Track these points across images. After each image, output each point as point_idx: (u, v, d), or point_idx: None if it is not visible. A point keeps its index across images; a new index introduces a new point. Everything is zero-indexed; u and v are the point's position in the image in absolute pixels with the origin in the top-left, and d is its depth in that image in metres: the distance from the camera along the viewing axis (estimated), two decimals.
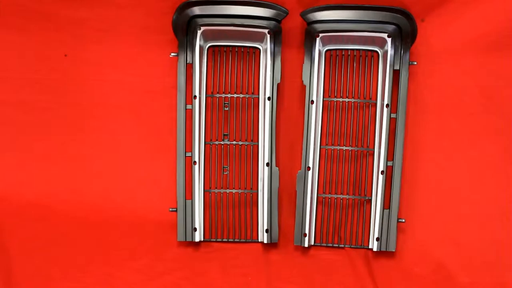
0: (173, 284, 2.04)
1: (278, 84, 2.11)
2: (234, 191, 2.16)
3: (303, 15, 2.09)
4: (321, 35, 2.10)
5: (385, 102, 2.11)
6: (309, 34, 2.10)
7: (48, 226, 2.18)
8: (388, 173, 2.12)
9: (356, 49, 2.14)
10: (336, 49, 2.14)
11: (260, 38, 2.12)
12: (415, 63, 2.12)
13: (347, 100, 2.15)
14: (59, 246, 2.13)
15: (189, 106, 2.12)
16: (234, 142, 2.16)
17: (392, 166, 2.11)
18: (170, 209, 2.13)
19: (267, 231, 2.12)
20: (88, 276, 2.05)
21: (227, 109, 2.16)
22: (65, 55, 2.20)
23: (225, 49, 2.15)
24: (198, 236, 2.13)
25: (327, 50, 2.14)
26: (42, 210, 2.21)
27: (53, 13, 2.16)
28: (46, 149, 2.23)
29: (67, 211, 2.21)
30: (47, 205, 2.22)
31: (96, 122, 2.24)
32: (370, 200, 2.14)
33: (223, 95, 2.15)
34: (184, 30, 2.10)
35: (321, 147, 2.14)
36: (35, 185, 2.23)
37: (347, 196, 2.15)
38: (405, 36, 2.09)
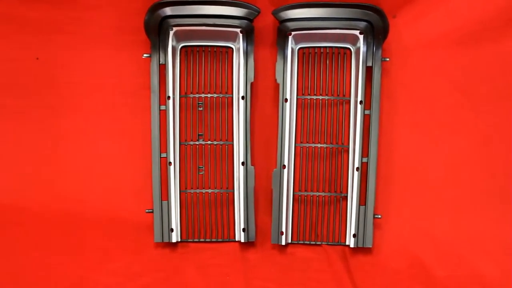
0: (150, 285, 2.03)
1: (251, 83, 2.11)
2: (210, 191, 2.16)
3: (274, 13, 2.09)
4: (293, 33, 2.10)
5: (359, 99, 2.11)
6: (281, 33, 2.10)
7: (22, 229, 2.17)
8: (363, 170, 2.12)
9: (329, 47, 2.14)
10: (308, 47, 2.14)
11: (233, 37, 2.12)
12: (388, 59, 2.12)
13: (320, 97, 2.15)
14: (34, 249, 2.12)
15: (163, 107, 2.11)
16: (209, 142, 2.15)
17: (367, 163, 2.11)
18: (147, 211, 2.12)
19: (244, 230, 2.12)
20: (64, 279, 2.03)
21: (201, 109, 2.15)
22: (37, 58, 2.19)
23: (197, 49, 2.15)
24: (175, 237, 2.12)
25: (299, 48, 2.14)
26: (16, 213, 2.19)
27: (23, 15, 2.15)
28: (20, 152, 2.22)
29: (41, 214, 2.19)
30: (21, 207, 2.20)
31: (70, 125, 2.22)
32: (346, 196, 2.15)
33: (197, 95, 2.15)
34: (156, 31, 2.09)
35: (296, 145, 2.14)
36: (9, 188, 2.21)
37: (323, 194, 2.16)
38: (377, 32, 2.09)
